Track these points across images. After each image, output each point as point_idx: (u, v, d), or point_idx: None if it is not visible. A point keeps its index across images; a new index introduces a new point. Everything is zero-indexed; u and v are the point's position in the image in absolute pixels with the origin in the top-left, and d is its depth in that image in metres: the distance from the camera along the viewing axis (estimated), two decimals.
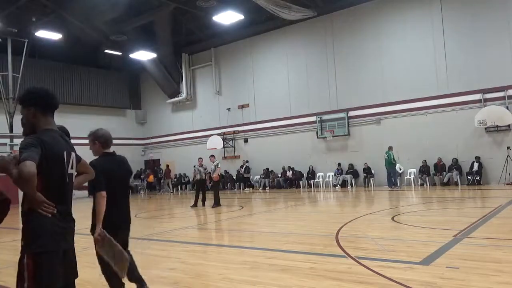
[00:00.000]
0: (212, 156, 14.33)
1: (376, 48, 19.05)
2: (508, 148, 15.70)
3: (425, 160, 17.42)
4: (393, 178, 17.30)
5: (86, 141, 3.79)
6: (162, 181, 25.69)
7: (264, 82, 22.76)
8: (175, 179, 25.61)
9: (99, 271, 3.76)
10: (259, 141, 23.02)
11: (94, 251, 3.59)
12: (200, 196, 14.00)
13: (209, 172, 13.98)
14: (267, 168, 21.93)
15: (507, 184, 15.47)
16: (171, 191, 24.55)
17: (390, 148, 17.35)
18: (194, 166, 14.40)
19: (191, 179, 24.03)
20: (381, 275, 4.38)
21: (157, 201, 18.82)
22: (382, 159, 17.74)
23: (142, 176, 26.33)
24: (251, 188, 21.95)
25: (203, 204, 13.86)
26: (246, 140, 23.62)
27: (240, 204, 14.01)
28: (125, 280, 3.72)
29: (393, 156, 17.18)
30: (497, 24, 16.24)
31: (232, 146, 24.12)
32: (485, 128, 16.30)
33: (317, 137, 20.62)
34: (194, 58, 25.99)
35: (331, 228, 7.61)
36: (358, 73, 19.51)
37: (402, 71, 18.33)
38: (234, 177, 23.22)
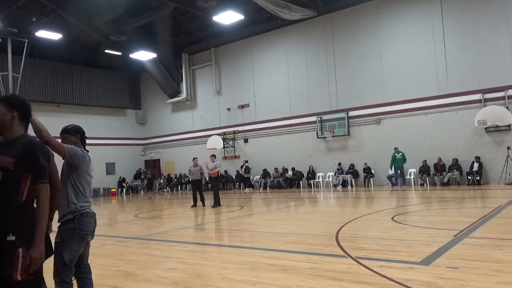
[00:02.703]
0: (213, 155, 14.34)
1: (376, 48, 19.05)
2: (508, 148, 15.71)
3: (425, 160, 17.42)
4: (400, 177, 17.30)
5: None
6: (153, 181, 25.98)
7: (264, 82, 22.76)
8: (175, 179, 25.65)
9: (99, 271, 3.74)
10: (259, 141, 23.01)
11: (95, 251, 3.58)
12: (199, 196, 13.99)
13: (205, 172, 13.93)
14: (275, 168, 21.92)
15: (507, 184, 15.47)
16: (162, 190, 24.67)
17: (396, 149, 17.37)
18: (190, 167, 14.38)
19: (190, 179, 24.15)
20: (381, 275, 4.38)
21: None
22: (382, 159, 17.72)
23: (142, 176, 26.37)
24: (251, 188, 21.94)
25: (203, 204, 13.85)
26: (246, 140, 23.61)
27: (240, 204, 14.01)
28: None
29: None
30: (497, 24, 16.24)
31: (232, 146, 24.11)
32: (485, 128, 16.30)
33: (317, 137, 20.62)
34: (194, 58, 25.99)
35: (331, 228, 7.60)
36: (358, 73, 19.51)
37: (402, 71, 18.33)
38: (234, 177, 23.23)
